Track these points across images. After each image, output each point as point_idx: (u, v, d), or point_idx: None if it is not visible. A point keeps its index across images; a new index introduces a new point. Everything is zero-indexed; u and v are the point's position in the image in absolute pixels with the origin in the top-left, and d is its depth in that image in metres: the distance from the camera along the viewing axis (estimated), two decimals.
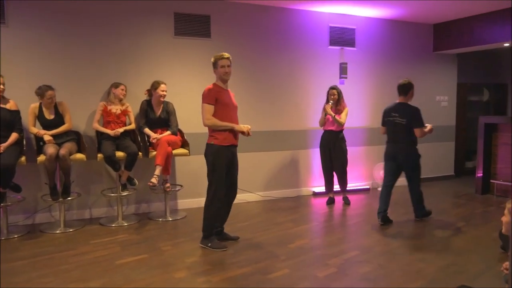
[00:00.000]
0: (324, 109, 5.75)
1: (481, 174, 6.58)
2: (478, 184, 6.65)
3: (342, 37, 6.67)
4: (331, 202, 5.97)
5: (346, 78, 6.58)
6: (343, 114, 5.75)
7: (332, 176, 5.99)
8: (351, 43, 6.77)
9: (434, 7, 6.24)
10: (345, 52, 6.75)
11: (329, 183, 6.03)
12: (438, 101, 7.75)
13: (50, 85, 4.66)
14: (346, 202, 5.97)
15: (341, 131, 5.83)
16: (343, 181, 5.95)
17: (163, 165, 4.80)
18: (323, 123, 5.84)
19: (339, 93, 5.75)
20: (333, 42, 6.61)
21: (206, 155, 4.08)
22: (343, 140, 5.84)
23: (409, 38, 7.30)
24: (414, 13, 6.66)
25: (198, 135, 5.69)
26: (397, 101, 5.11)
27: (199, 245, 4.18)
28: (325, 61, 6.60)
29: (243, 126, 4.12)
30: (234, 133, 4.08)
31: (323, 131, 5.91)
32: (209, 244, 4.11)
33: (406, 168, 5.05)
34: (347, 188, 6.10)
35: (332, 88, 5.77)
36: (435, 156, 7.75)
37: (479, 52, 7.61)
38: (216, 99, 3.99)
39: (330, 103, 5.70)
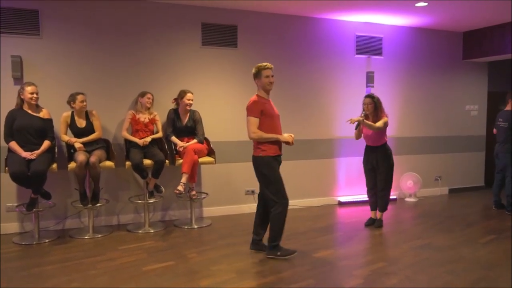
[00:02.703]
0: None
1: None
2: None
3: (369, 45, 6.63)
4: (371, 223, 5.31)
5: (373, 87, 6.52)
6: (379, 121, 4.97)
7: (376, 195, 5.27)
8: (378, 51, 6.71)
9: (463, 15, 6.14)
10: (372, 60, 6.70)
11: (372, 201, 5.33)
12: (467, 110, 7.58)
13: (82, 92, 4.82)
14: (378, 224, 5.26)
15: (383, 145, 5.09)
16: (381, 201, 5.23)
17: (189, 173, 4.86)
18: (357, 136, 5.20)
19: (376, 102, 5.00)
20: (359, 51, 6.57)
21: (257, 168, 4.02)
22: (386, 156, 5.09)
23: (438, 47, 7.19)
24: (443, 21, 6.56)
25: (224, 144, 5.75)
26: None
27: (267, 257, 4.08)
28: (351, 70, 6.57)
29: (287, 135, 4.08)
30: (279, 143, 4.06)
31: (364, 144, 5.28)
32: (278, 253, 4.06)
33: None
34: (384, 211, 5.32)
35: (366, 96, 5.09)
36: (465, 166, 7.58)
37: (510, 60, 7.42)
38: (261, 111, 3.97)
39: (363, 114, 5.06)
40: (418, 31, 7.00)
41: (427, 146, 7.22)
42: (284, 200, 4.03)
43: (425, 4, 5.52)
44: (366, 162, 5.26)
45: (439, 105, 7.28)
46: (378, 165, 5.12)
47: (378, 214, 5.34)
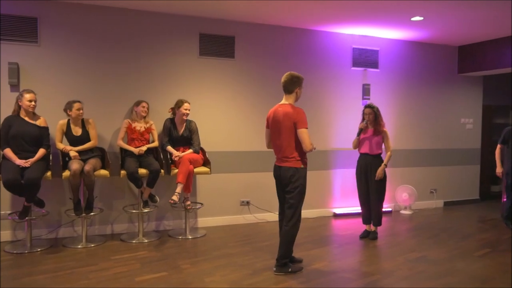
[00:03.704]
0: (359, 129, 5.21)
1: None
2: (504, 209, 6.45)
3: (365, 58, 6.68)
4: (365, 235, 5.30)
5: (369, 99, 6.56)
6: (386, 141, 5.15)
7: (369, 207, 5.26)
8: (374, 64, 6.76)
9: (458, 29, 6.21)
10: (368, 73, 6.75)
11: (365, 214, 5.32)
12: (463, 124, 7.63)
13: (78, 100, 4.81)
14: (372, 236, 5.25)
15: (379, 154, 5.18)
16: (375, 213, 5.21)
17: (184, 183, 4.85)
18: (356, 144, 5.26)
19: (376, 112, 5.11)
20: (356, 63, 6.62)
21: (295, 179, 3.87)
22: (380, 166, 5.12)
23: (434, 60, 7.26)
24: (438, 35, 6.63)
25: (219, 154, 5.75)
26: None
27: (276, 274, 3.94)
28: (348, 82, 6.60)
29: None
30: None
31: (359, 154, 5.31)
32: (290, 270, 3.98)
33: None
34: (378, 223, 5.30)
35: (366, 106, 5.17)
36: (460, 179, 7.61)
37: (505, 74, 7.50)
38: None
39: (365, 122, 5.14)
40: (414, 44, 7.06)
41: (422, 158, 7.24)
42: (300, 217, 4.00)
43: (421, 18, 5.58)
44: (359, 172, 5.25)
45: (435, 118, 7.33)
46: (372, 174, 5.13)
47: (373, 226, 5.33)
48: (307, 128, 3.83)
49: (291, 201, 3.92)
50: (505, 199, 6.29)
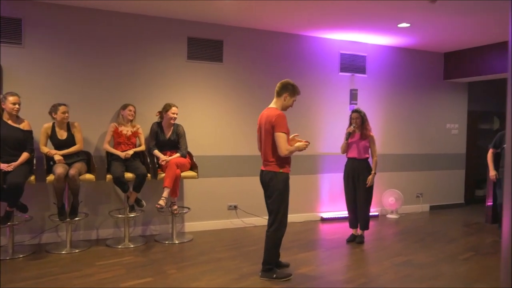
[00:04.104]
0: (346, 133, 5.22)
1: (491, 203, 6.48)
2: (488, 213, 6.55)
3: (352, 63, 6.72)
4: (352, 239, 5.30)
5: (356, 104, 6.59)
6: (373, 146, 5.20)
7: (356, 210, 5.27)
8: (361, 70, 6.81)
9: (444, 36, 6.29)
10: (356, 78, 6.79)
11: (352, 218, 5.32)
12: (448, 129, 7.72)
13: (64, 103, 4.74)
14: (359, 240, 5.25)
15: (367, 159, 5.21)
16: (363, 217, 5.24)
17: (171, 187, 4.82)
18: (344, 148, 5.26)
19: (363, 116, 5.16)
20: (343, 68, 6.66)
21: (273, 183, 3.85)
22: (367, 170, 5.17)
23: (420, 66, 7.33)
24: (425, 42, 6.71)
25: (207, 158, 5.72)
26: None
27: (261, 279, 3.91)
28: (335, 87, 6.64)
29: (301, 144, 3.94)
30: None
31: (346, 159, 5.32)
32: (274, 276, 3.92)
33: None
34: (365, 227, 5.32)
35: (354, 111, 5.21)
36: (445, 184, 7.69)
37: (490, 80, 7.61)
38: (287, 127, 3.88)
39: (352, 127, 5.16)
40: (400, 50, 7.13)
41: (408, 163, 7.30)
42: (286, 222, 3.97)
43: (408, 25, 5.64)
44: (347, 176, 5.27)
45: (421, 123, 7.40)
46: (359, 178, 5.15)
47: (359, 230, 5.34)
48: (284, 132, 3.79)
49: (271, 206, 3.91)
50: (490, 203, 6.39)
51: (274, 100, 3.98)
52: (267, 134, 3.85)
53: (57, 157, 4.58)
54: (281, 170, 3.85)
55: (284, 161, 3.88)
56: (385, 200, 6.91)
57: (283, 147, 3.76)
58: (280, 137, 3.77)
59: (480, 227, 6.27)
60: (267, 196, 3.95)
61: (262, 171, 3.98)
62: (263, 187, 4.00)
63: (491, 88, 8.22)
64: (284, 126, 3.79)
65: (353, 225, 5.35)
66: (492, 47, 6.61)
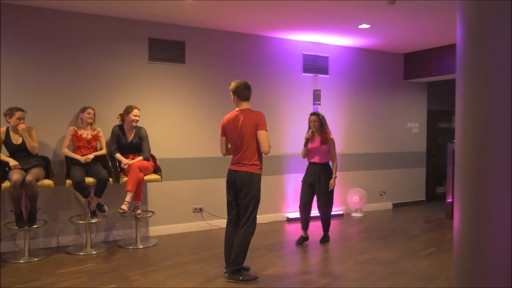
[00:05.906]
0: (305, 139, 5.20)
1: (451, 199, 6.70)
2: (448, 209, 6.75)
3: (315, 64, 6.80)
4: (302, 241, 5.27)
5: (319, 104, 6.66)
6: (333, 149, 5.17)
7: (309, 213, 5.25)
8: (324, 70, 6.89)
9: (404, 37, 6.45)
10: (319, 79, 6.87)
11: (304, 221, 5.28)
12: (409, 128, 7.92)
13: (21, 108, 4.56)
14: (324, 240, 5.34)
15: (327, 163, 5.21)
16: (325, 219, 5.29)
17: (134, 191, 4.72)
18: (305, 154, 5.24)
19: (321, 119, 5.15)
20: (306, 69, 6.72)
21: (251, 186, 3.87)
22: (329, 174, 5.16)
23: (381, 67, 7.50)
24: (385, 43, 6.86)
25: (170, 161, 5.64)
26: None
27: (227, 281, 3.90)
28: (298, 88, 6.69)
29: None
30: None
31: (307, 163, 5.31)
32: (241, 278, 3.90)
33: None
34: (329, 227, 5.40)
35: (312, 114, 5.21)
36: (407, 181, 7.89)
37: (448, 80, 7.87)
38: None
39: (310, 131, 5.14)
40: (362, 51, 7.27)
41: (371, 162, 7.44)
42: (256, 222, 3.99)
43: (368, 26, 5.75)
44: (307, 178, 5.25)
45: (382, 122, 7.56)
46: (320, 182, 5.14)
47: (323, 231, 5.37)
48: (266, 130, 3.90)
49: (246, 207, 3.91)
50: (450, 200, 6.59)
51: (242, 103, 3.99)
52: (250, 135, 3.89)
53: (12, 163, 4.41)
54: (257, 172, 3.92)
55: (261, 162, 3.98)
56: (349, 199, 7.02)
57: (268, 144, 3.88)
58: (265, 135, 3.88)
59: (441, 223, 6.47)
60: (242, 196, 3.93)
61: (235, 171, 3.93)
62: (237, 187, 3.95)
63: (450, 88, 8.46)
64: (266, 125, 3.95)
65: (305, 226, 5.30)
66: (450, 48, 6.83)
